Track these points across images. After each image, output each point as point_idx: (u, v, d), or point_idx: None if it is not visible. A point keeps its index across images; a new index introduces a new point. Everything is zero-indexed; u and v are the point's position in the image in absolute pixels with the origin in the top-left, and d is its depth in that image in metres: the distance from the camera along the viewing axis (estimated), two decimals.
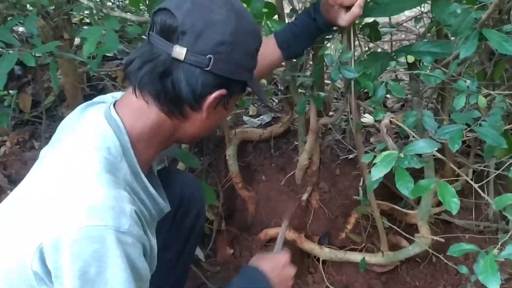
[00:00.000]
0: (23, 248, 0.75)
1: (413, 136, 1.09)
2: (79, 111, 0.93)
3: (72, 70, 1.72)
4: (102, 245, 0.72)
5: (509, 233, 0.93)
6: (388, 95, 2.47)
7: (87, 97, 1.96)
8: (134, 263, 0.76)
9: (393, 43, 2.29)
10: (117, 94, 1.00)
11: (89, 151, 0.81)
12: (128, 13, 1.36)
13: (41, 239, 0.73)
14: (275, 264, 1.13)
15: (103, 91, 1.99)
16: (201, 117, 0.90)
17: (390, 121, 1.17)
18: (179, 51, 0.81)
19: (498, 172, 1.27)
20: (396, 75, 2.12)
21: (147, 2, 1.43)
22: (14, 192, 0.89)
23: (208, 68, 0.83)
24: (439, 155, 0.99)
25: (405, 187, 0.94)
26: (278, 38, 1.22)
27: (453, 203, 0.81)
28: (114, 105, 0.90)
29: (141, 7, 1.49)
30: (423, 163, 0.95)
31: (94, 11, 1.37)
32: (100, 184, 0.77)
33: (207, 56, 0.82)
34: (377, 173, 0.88)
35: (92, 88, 1.99)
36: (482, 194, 0.86)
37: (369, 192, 1.16)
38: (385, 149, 1.21)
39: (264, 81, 2.11)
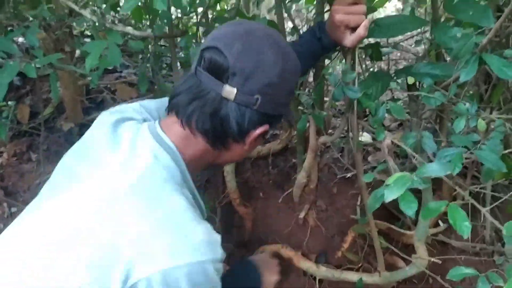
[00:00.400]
0: (104, 273, 0.76)
1: (414, 157, 1.10)
2: (111, 128, 0.92)
3: (72, 83, 1.72)
4: (206, 277, 0.78)
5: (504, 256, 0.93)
6: (386, 114, 2.50)
7: (86, 110, 1.97)
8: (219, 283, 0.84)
9: (390, 61, 2.31)
10: (135, 107, 1.03)
11: (165, 185, 0.83)
12: (131, 28, 1.36)
13: (141, 273, 0.75)
14: (267, 266, 1.32)
15: (102, 103, 1.99)
16: (241, 148, 0.94)
17: (392, 142, 1.18)
18: (229, 91, 0.84)
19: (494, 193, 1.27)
20: (393, 95, 2.14)
21: (150, 17, 1.44)
22: (47, 208, 0.86)
23: (255, 107, 0.86)
24: (443, 177, 0.99)
25: (408, 207, 0.94)
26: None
27: (465, 227, 0.82)
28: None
29: (143, 21, 1.49)
30: (427, 184, 0.96)
31: (97, 25, 1.38)
32: (190, 220, 0.81)
33: (255, 97, 0.85)
34: (391, 195, 0.88)
35: (91, 101, 1.99)
36: (489, 217, 0.86)
37: (370, 212, 1.16)
38: (387, 169, 1.22)
39: None
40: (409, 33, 2.20)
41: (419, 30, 1.69)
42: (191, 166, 0.91)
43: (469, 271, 0.87)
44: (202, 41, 1.45)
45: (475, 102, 1.20)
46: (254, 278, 1.27)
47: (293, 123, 1.09)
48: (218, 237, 0.84)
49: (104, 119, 0.96)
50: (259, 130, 0.90)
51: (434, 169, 0.88)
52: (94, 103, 1.98)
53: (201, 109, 0.86)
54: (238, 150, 0.95)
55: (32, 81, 2.03)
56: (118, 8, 1.40)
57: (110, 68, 2.18)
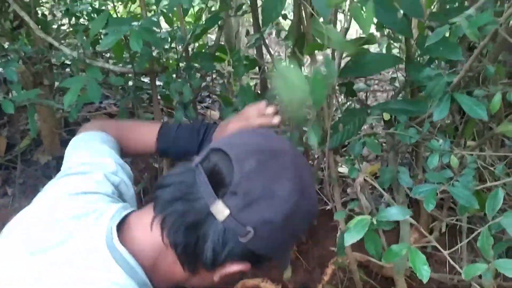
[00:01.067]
0: None
1: (385, 197, 1.12)
2: (75, 216, 0.76)
3: (50, 116, 1.72)
4: None
5: None
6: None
7: (64, 142, 1.95)
8: None
9: (368, 94, 2.37)
10: (107, 169, 0.90)
11: None
12: (111, 64, 1.37)
13: None
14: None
15: None
16: (210, 278, 0.77)
17: (365, 179, 1.20)
18: (221, 210, 0.69)
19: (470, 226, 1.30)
20: (372, 128, 2.19)
21: (130, 52, 1.46)
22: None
23: (242, 240, 0.71)
24: (412, 221, 1.01)
25: (373, 249, 0.96)
26: (161, 131, 1.12)
27: (424, 271, 0.83)
28: (117, 229, 0.74)
29: (124, 57, 1.51)
30: (391, 225, 0.98)
31: (77, 60, 1.38)
32: None
33: (247, 228, 0.70)
34: (349, 239, 0.89)
35: (69, 133, 1.98)
36: (450, 261, 0.88)
37: (340, 252, 1.17)
38: (360, 207, 1.24)
39: None
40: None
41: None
42: (158, 278, 0.76)
43: None
44: (184, 76, 1.47)
45: (447, 138, 1.24)
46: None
47: (285, 268, 0.97)
48: None
49: (53, 190, 0.83)
50: (236, 267, 0.74)
51: (393, 214, 0.90)
52: (72, 135, 1.96)
53: (181, 216, 0.71)
54: (207, 279, 0.78)
55: (10, 115, 2.01)
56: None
57: None
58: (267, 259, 0.77)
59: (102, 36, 1.52)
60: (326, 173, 1.44)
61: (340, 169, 1.96)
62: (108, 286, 0.68)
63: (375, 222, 0.88)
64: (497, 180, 1.14)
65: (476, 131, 1.60)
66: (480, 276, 1.63)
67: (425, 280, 0.81)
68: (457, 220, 1.61)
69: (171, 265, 0.75)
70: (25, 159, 1.89)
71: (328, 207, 1.80)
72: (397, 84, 1.72)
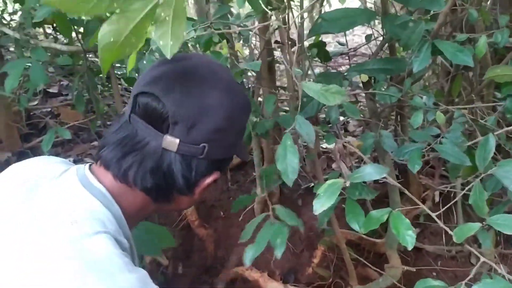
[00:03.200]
0: None
1: (368, 161, 1.00)
2: (57, 175, 0.79)
3: (4, 108, 1.58)
4: None
5: (481, 261, 0.83)
6: (349, 119, 2.42)
7: (25, 136, 1.82)
8: None
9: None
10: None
11: (89, 231, 0.70)
12: (57, 43, 1.24)
13: None
14: None
15: (44, 129, 1.85)
16: (189, 198, 0.82)
17: (344, 146, 1.08)
18: (171, 142, 0.73)
19: (463, 192, 1.18)
20: (356, 97, 2.06)
21: (80, 31, 1.32)
22: None
23: (202, 156, 0.75)
24: (393, 182, 0.89)
25: (355, 220, 0.85)
26: None
27: (408, 237, 0.71)
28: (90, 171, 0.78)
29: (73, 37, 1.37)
30: (374, 194, 0.86)
31: (20, 42, 1.25)
32: (119, 269, 0.68)
33: (201, 145, 0.75)
34: (319, 207, 0.78)
35: (32, 127, 1.85)
36: (440, 224, 0.76)
37: (321, 225, 1.06)
38: (340, 176, 1.12)
39: None
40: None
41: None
42: (129, 216, 0.79)
43: (437, 283, 0.76)
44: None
45: (431, 95, 1.12)
46: None
47: (247, 159, 0.98)
48: (153, 286, 0.71)
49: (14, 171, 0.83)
50: (209, 180, 0.78)
51: (368, 173, 0.78)
52: (35, 129, 1.83)
53: (140, 164, 0.74)
54: (186, 201, 0.83)
55: None
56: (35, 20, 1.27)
57: (54, 91, 2.05)
58: (228, 159, 0.84)
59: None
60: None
61: (323, 145, 1.84)
62: (86, 215, 0.71)
63: (348, 185, 0.76)
64: None
65: (465, 94, 1.48)
66: (479, 245, 1.53)
67: (409, 247, 0.69)
68: (451, 187, 1.51)
69: (142, 203, 0.79)
70: None
71: (312, 185, 1.69)
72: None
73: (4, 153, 1.68)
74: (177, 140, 0.73)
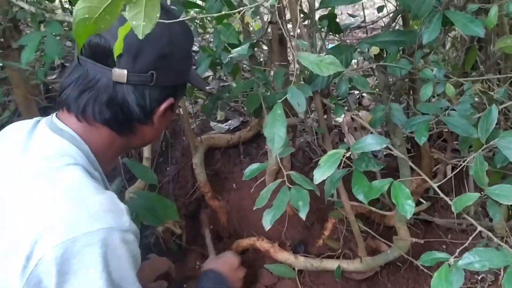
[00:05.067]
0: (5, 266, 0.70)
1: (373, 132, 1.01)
2: (28, 131, 0.85)
3: (23, 82, 1.62)
4: (113, 248, 0.71)
5: (477, 230, 0.84)
6: (364, 94, 2.40)
7: (44, 110, 1.87)
8: (136, 259, 0.77)
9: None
10: None
11: (61, 163, 0.77)
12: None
13: (38, 254, 0.68)
14: (230, 266, 1.34)
15: None
16: (151, 128, 0.89)
17: (352, 118, 1.08)
18: (120, 74, 0.79)
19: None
20: (370, 70, 2.04)
21: None
22: None
23: (152, 84, 0.82)
24: (398, 154, 0.90)
25: (361, 192, 0.86)
26: None
27: (408, 206, 0.72)
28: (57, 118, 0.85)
29: None
30: (380, 166, 0.87)
31: (36, 15, 1.27)
32: (88, 192, 0.75)
33: (149, 73, 0.81)
34: (319, 176, 0.79)
35: (50, 100, 1.89)
36: (439, 192, 0.76)
37: (327, 196, 1.07)
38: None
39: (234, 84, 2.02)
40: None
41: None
42: (101, 156, 0.85)
43: (441, 255, 0.78)
44: None
45: (442, 66, 1.11)
46: (223, 284, 1.28)
47: (203, 87, 1.04)
48: (122, 206, 0.78)
49: None
50: (164, 105, 0.85)
51: (369, 143, 0.79)
52: (53, 102, 1.87)
53: (95, 100, 0.80)
54: (149, 131, 0.89)
55: None
56: None
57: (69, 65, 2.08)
58: (181, 86, 0.91)
59: None
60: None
61: (338, 119, 1.84)
62: (55, 152, 0.78)
63: (352, 156, 0.77)
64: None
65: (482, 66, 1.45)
66: (490, 219, 1.53)
67: (408, 216, 0.71)
68: (463, 161, 1.50)
69: (108, 138, 0.85)
70: None
71: None
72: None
73: None
74: (125, 71, 0.78)
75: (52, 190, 0.74)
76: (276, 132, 0.90)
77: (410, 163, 0.95)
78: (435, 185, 0.80)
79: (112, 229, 0.71)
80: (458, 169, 0.94)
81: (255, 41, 1.25)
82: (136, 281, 0.76)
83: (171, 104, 0.87)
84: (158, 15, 0.52)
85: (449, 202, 0.76)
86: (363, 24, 2.05)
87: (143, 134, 0.89)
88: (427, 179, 0.86)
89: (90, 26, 0.52)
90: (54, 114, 0.86)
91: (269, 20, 1.23)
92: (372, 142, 0.79)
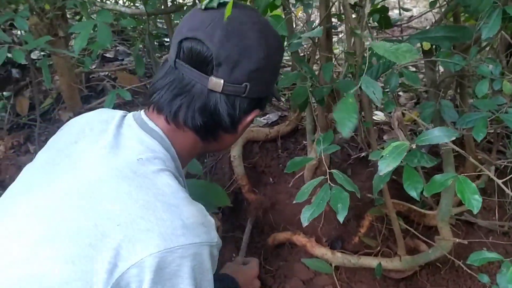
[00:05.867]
0: (87, 266, 0.68)
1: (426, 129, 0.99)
2: (117, 126, 0.86)
3: (67, 70, 1.65)
4: (202, 262, 0.74)
5: None
6: (401, 93, 2.37)
7: (85, 98, 1.90)
8: (214, 270, 0.79)
9: (403, 38, 2.18)
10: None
11: (153, 167, 0.79)
12: (121, 5, 1.28)
13: (129, 260, 0.69)
14: (247, 277, 1.37)
15: (102, 92, 1.92)
16: (232, 136, 0.92)
17: (403, 113, 1.07)
18: (216, 83, 0.80)
19: None
20: (416, 66, 2.00)
21: None
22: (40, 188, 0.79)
23: (244, 95, 0.83)
24: (456, 148, 0.88)
25: (413, 188, 0.85)
26: None
27: (474, 201, 0.71)
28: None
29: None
30: (433, 162, 0.85)
31: (86, 4, 1.29)
32: (182, 202, 0.76)
33: (243, 84, 0.82)
34: (384, 167, 0.78)
35: (91, 89, 1.92)
36: (506, 190, 0.74)
37: (376, 191, 1.06)
38: None
39: None
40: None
41: None
42: (182, 158, 0.88)
43: (492, 255, 0.76)
44: None
45: (498, 63, 1.08)
46: None
47: (278, 96, 1.04)
48: (212, 220, 0.79)
49: (77, 120, 0.94)
50: (251, 116, 0.87)
51: (436, 136, 0.77)
52: (94, 91, 1.91)
53: (189, 105, 0.81)
54: (229, 139, 0.92)
55: (31, 73, 1.96)
56: None
57: (110, 56, 2.11)
58: (267, 98, 0.93)
59: None
60: (360, 117, 1.31)
61: (374, 117, 1.82)
62: (149, 154, 0.79)
63: (414, 147, 0.76)
64: None
65: None
66: None
67: (475, 211, 0.69)
68: (508, 163, 1.47)
69: (192, 143, 0.87)
70: (48, 118, 1.85)
71: (363, 155, 1.68)
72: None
73: (66, 113, 1.76)
74: (222, 81, 0.79)
75: (147, 195, 0.74)
76: (347, 117, 0.89)
77: (468, 156, 0.92)
78: (500, 182, 0.78)
79: (203, 244, 0.73)
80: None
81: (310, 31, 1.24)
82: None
83: (256, 115, 0.89)
84: None
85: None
86: (406, 19, 2.02)
87: (223, 141, 0.91)
88: (489, 173, 0.84)
89: None
90: (142, 111, 0.88)
91: (324, 14, 1.22)
92: (440, 135, 0.77)
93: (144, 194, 0.74)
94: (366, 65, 0.89)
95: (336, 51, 2.06)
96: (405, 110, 2.16)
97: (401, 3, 3.57)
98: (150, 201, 0.73)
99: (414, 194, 0.93)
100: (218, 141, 0.90)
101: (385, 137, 1.77)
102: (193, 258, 0.72)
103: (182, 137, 0.86)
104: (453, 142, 1.59)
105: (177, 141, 0.85)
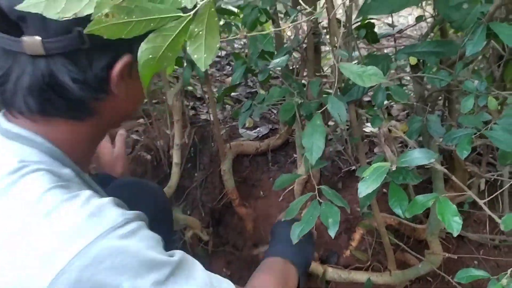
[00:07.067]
0: None
1: (413, 146, 0.99)
2: None
3: None
4: (116, 255, 0.57)
5: None
6: (393, 103, 2.37)
7: None
8: (155, 238, 0.63)
9: (396, 48, 2.19)
10: None
11: (19, 178, 0.61)
12: None
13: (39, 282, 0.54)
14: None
15: None
16: (116, 100, 0.69)
17: (389, 130, 1.07)
18: (31, 44, 0.58)
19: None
20: (400, 80, 2.01)
21: None
22: None
23: (86, 45, 0.60)
24: (440, 168, 0.88)
25: (398, 205, 0.85)
26: None
27: (454, 223, 0.70)
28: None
29: None
30: (419, 179, 0.85)
31: None
32: (56, 206, 0.59)
33: (74, 32, 0.59)
34: (364, 189, 0.77)
35: None
36: (487, 211, 0.74)
37: (362, 208, 1.05)
38: (384, 161, 1.11)
39: (262, 91, 2.02)
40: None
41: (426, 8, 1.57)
42: (71, 150, 0.69)
43: (479, 273, 0.76)
44: None
45: (484, 79, 1.09)
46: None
47: None
48: (104, 201, 0.61)
49: None
50: (118, 67, 0.64)
51: (416, 157, 0.77)
52: None
53: (20, 87, 0.61)
54: (116, 105, 0.69)
55: None
56: None
57: None
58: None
59: None
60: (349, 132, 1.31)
61: (365, 129, 1.82)
62: (12, 159, 0.62)
63: (394, 169, 0.76)
64: None
65: None
66: None
67: (455, 233, 0.69)
68: (498, 175, 1.47)
69: (68, 129, 0.68)
70: None
71: (353, 168, 1.68)
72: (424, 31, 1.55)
73: None
74: (38, 39, 0.58)
75: (15, 210, 0.58)
76: (315, 142, 0.89)
77: (451, 176, 0.92)
78: (480, 202, 0.78)
79: (105, 236, 0.57)
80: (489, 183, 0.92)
81: (291, 49, 1.24)
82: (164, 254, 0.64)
83: (129, 61, 0.65)
84: (218, 45, 0.53)
85: (497, 220, 0.74)
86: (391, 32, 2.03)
87: (110, 111, 0.70)
88: (470, 193, 0.84)
89: (154, 65, 0.53)
90: (2, 117, 0.69)
91: (309, 30, 1.22)
92: (420, 156, 0.77)
93: (13, 213, 0.59)
94: (337, 83, 0.89)
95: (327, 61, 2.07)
96: (397, 121, 2.17)
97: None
98: (24, 221, 0.58)
99: (399, 211, 0.92)
100: (102, 112, 0.69)
101: (376, 150, 1.77)
102: (101, 260, 0.56)
103: (53, 128, 0.66)
104: (442, 154, 1.61)
105: (52, 135, 0.66)
